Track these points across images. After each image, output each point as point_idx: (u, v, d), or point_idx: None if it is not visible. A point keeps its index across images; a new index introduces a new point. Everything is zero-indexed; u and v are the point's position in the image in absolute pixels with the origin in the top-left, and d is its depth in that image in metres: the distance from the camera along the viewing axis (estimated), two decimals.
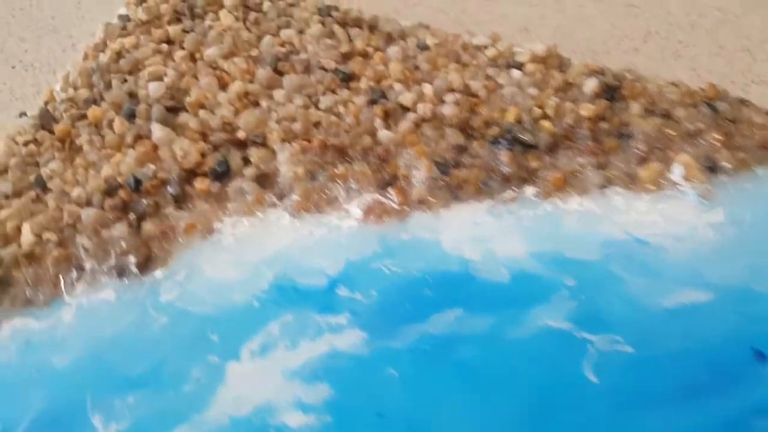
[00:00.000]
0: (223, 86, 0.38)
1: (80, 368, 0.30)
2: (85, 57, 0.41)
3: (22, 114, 0.39)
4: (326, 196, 0.34)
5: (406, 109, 0.37)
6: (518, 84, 0.36)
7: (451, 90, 0.37)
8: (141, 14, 0.42)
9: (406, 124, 0.35)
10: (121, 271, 0.33)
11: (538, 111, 0.35)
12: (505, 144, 0.34)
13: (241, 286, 0.32)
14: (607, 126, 0.35)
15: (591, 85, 0.36)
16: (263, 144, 0.36)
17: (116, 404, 0.29)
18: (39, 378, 0.30)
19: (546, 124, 0.35)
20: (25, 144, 0.37)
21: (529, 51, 0.37)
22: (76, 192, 0.35)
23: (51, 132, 0.38)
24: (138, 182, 0.35)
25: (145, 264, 0.32)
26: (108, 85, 0.39)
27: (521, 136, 0.34)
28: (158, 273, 0.32)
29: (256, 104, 0.38)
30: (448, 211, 0.33)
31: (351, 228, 0.33)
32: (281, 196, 0.34)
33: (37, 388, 0.30)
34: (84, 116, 0.38)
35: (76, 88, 0.39)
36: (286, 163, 0.35)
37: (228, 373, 0.29)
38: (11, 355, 0.31)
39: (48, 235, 0.33)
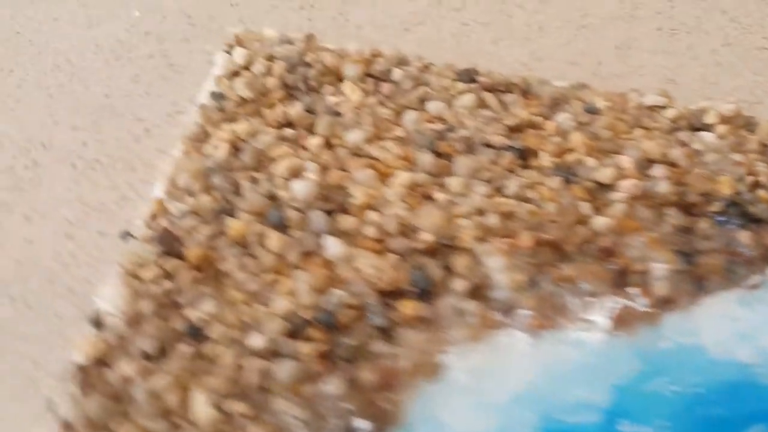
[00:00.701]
0: (383, 179, 0.33)
1: None
2: (187, 152, 0.34)
3: (126, 235, 0.31)
4: (556, 305, 0.30)
5: (604, 187, 0.33)
6: (716, 149, 0.34)
7: (649, 161, 0.33)
8: (242, 90, 0.35)
9: (619, 207, 0.32)
10: None
11: (750, 179, 0.33)
12: (734, 220, 0.31)
13: None
14: None
15: None
16: (456, 247, 0.31)
17: None
18: None
19: (764, 193, 0.32)
20: (155, 281, 0.29)
21: (715, 111, 0.35)
22: (252, 339, 0.28)
23: (180, 258, 0.30)
24: (330, 315, 0.29)
25: (380, 426, 0.26)
26: (236, 188, 0.32)
27: (749, 210, 0.31)
28: None
29: (428, 197, 0.33)
30: (698, 307, 0.30)
31: (599, 343, 0.29)
32: (507, 312, 0.29)
33: None
34: (221, 233, 0.31)
35: (192, 195, 0.32)
36: (500, 270, 0.30)
37: None
38: None
39: (234, 406, 0.26)
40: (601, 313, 0.30)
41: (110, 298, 0.29)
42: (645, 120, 0.35)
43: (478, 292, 0.30)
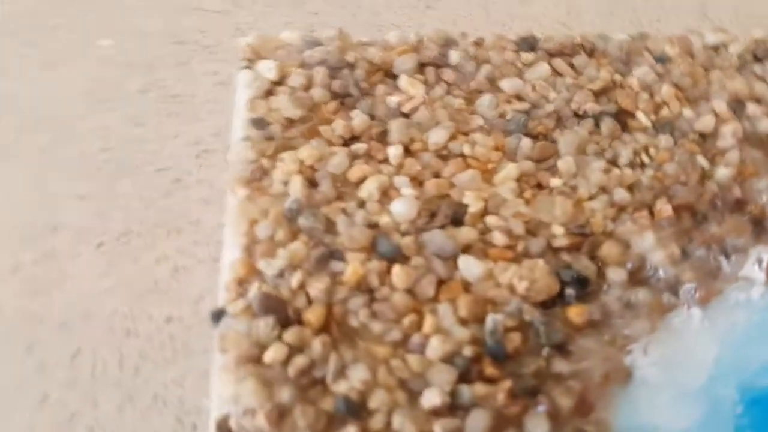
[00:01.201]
0: (487, 177, 0.29)
1: None
2: (251, 196, 0.28)
3: (219, 316, 0.26)
4: (713, 270, 0.28)
5: (709, 137, 0.31)
6: None
7: (739, 101, 0.32)
8: (288, 110, 0.30)
9: (732, 154, 0.30)
10: None
11: None
12: None
13: None
14: None
15: None
16: (595, 234, 0.28)
17: None
18: None
19: None
20: (283, 360, 0.24)
21: None
22: (425, 399, 0.24)
23: (299, 323, 0.25)
24: (497, 345, 0.25)
25: None
26: (328, 226, 0.27)
27: None
28: None
29: (542, 186, 0.29)
30: None
31: (764, 298, 0.27)
32: (672, 291, 0.27)
33: None
34: (334, 281, 0.26)
35: (281, 244, 0.27)
36: (651, 247, 0.27)
37: None
38: None
39: None
40: (754, 267, 0.28)
41: (231, 397, 0.24)
42: (716, 60, 0.34)
43: (638, 276, 0.27)
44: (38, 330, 0.26)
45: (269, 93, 0.31)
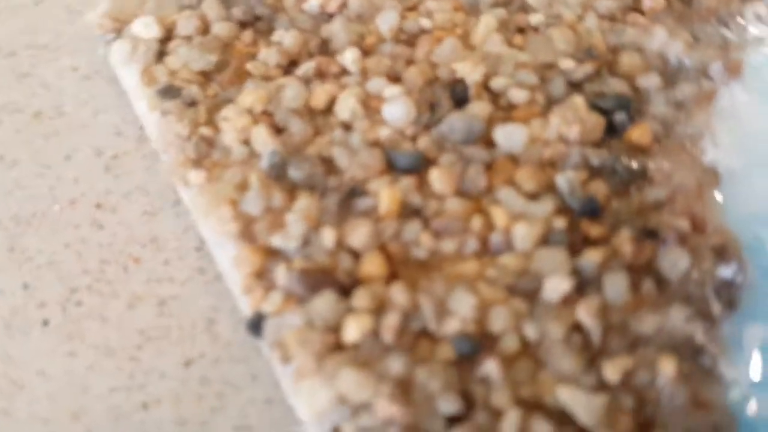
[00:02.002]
0: (465, 41, 0.24)
1: None
2: (210, 175, 0.21)
3: (257, 325, 0.19)
4: (720, 44, 0.26)
5: None
6: None
7: None
8: (197, 61, 0.23)
9: None
10: None
11: None
12: None
13: None
14: None
15: None
16: (600, 54, 0.24)
17: None
18: None
19: None
20: (372, 333, 0.18)
21: None
22: (553, 288, 0.19)
23: (361, 282, 0.20)
24: (590, 201, 0.21)
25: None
26: (327, 165, 0.21)
27: None
28: None
29: (522, 30, 0.25)
30: None
31: None
32: (706, 75, 0.24)
33: None
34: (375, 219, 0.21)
35: (286, 209, 0.21)
36: (665, 43, 0.25)
37: None
38: None
39: None
40: (757, 24, 0.27)
41: (330, 404, 0.18)
42: None
43: (669, 75, 0.24)
44: None
45: (161, 54, 0.25)
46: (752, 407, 0.19)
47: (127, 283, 0.22)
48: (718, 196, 0.23)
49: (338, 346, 0.19)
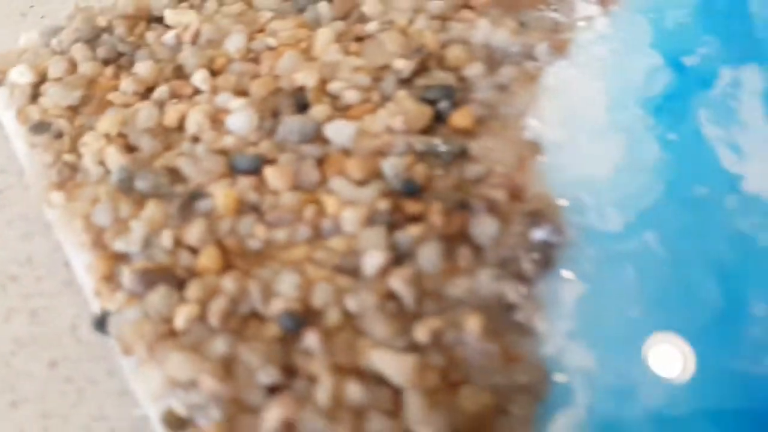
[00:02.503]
0: (306, 53, 0.27)
1: None
2: (70, 195, 0.24)
3: (102, 322, 0.21)
4: (548, 26, 0.28)
5: None
6: None
7: None
8: (63, 98, 0.26)
9: None
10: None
11: None
12: None
13: None
14: None
15: None
16: (430, 52, 0.27)
17: None
18: None
19: None
20: (201, 318, 0.20)
21: None
22: (370, 262, 0.21)
23: (197, 275, 0.22)
24: (407, 182, 0.23)
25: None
26: (173, 174, 0.24)
27: None
28: None
29: (360, 39, 0.27)
30: None
31: None
32: (532, 57, 0.26)
33: None
34: (213, 218, 0.23)
35: (132, 217, 0.23)
36: (489, 33, 0.27)
37: None
38: None
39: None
40: (584, 4, 0.29)
41: (163, 387, 0.20)
42: None
43: (492, 62, 0.26)
44: None
45: (35, 96, 0.27)
46: (565, 361, 0.21)
47: (4, 299, 0.24)
48: (541, 166, 0.25)
49: (170, 334, 0.21)
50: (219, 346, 0.20)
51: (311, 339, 0.20)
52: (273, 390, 0.20)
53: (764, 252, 0.23)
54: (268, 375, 0.20)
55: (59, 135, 0.26)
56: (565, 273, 0.22)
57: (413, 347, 0.20)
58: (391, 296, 0.21)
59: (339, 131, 0.24)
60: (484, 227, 0.22)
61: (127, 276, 0.22)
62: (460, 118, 0.25)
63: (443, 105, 0.25)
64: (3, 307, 0.24)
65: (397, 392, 0.20)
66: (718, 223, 0.23)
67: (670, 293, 0.22)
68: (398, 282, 0.21)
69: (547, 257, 0.22)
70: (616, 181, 0.24)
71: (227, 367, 0.20)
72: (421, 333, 0.20)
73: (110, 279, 0.22)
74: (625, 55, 0.27)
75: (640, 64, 0.27)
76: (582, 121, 0.26)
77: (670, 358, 0.21)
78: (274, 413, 0.19)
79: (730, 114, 0.26)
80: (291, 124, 0.25)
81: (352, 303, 0.21)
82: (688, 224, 0.23)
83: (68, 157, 0.25)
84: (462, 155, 0.24)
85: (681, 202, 0.24)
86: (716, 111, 0.26)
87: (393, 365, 0.20)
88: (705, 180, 0.24)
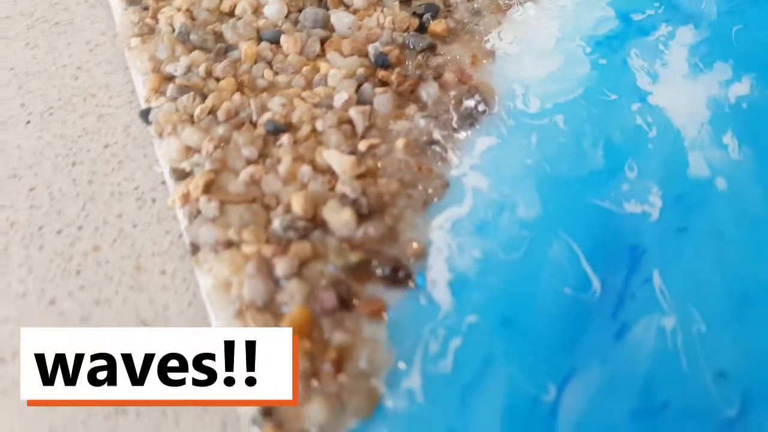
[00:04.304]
0: None
1: None
2: (144, 40, 0.34)
3: (146, 113, 0.31)
4: None
5: None
6: None
7: None
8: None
9: None
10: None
11: None
12: None
13: None
14: None
15: None
16: None
17: None
18: None
19: None
20: (212, 112, 0.30)
21: None
22: (340, 98, 0.30)
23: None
24: (382, 56, 0.32)
25: (486, 100, 0.30)
26: (217, 36, 0.34)
27: None
28: None
29: None
30: None
31: None
32: None
33: None
34: (237, 63, 0.32)
35: (183, 54, 0.33)
36: None
37: None
38: None
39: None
40: None
41: (176, 153, 0.29)
42: None
43: None
44: None
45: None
46: (464, 181, 0.29)
47: (84, 106, 0.34)
48: (491, 67, 0.33)
49: (189, 120, 0.30)
50: (220, 130, 0.30)
51: (284, 139, 0.29)
52: (249, 162, 0.29)
53: (647, 138, 0.30)
54: (249, 151, 0.29)
55: (146, 8, 0.37)
56: (484, 131, 0.30)
57: (354, 152, 0.29)
58: (348, 122, 0.30)
59: (341, 20, 0.34)
60: (430, 90, 0.31)
61: (169, 88, 0.32)
62: (437, 26, 0.34)
63: (426, 17, 0.34)
64: (81, 111, 0.34)
65: (334, 176, 0.28)
66: (618, 118, 0.31)
67: (561, 154, 0.29)
68: (355, 112, 0.30)
69: (473, 118, 0.30)
70: (545, 82, 0.32)
71: (223, 142, 0.29)
72: (362, 145, 0.29)
73: (157, 90, 0.32)
74: (584, 7, 0.36)
75: (594, 15, 0.35)
76: (533, 44, 0.34)
77: (549, 190, 0.28)
78: (246, 171, 0.28)
79: (657, 54, 0.34)
80: (309, 12, 0.34)
81: (319, 123, 0.30)
82: (593, 115, 0.31)
83: (148, 20, 0.36)
84: (430, 49, 0.33)
85: (594, 102, 0.32)
86: (646, 51, 0.34)
87: (337, 160, 0.28)
88: (618, 91, 0.32)
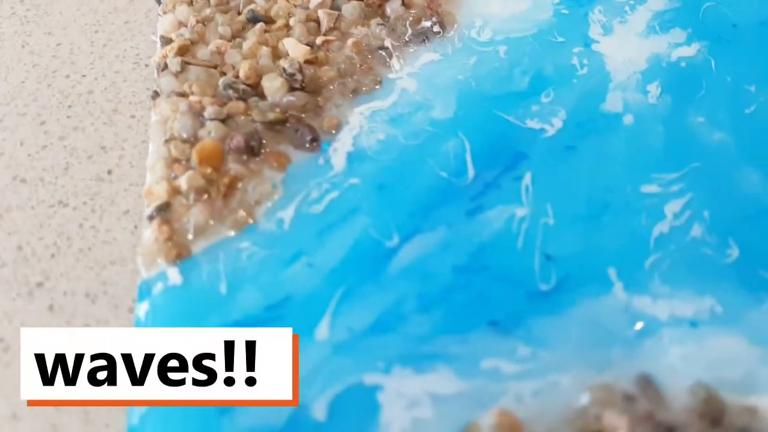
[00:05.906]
0: None
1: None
2: None
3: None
4: None
5: None
6: None
7: None
8: None
9: None
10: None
11: None
12: None
13: None
14: None
15: None
16: None
17: None
18: None
19: None
20: None
21: None
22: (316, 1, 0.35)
23: None
24: None
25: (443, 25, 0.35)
26: None
27: None
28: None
29: None
30: None
31: None
32: None
33: None
34: None
35: None
36: None
37: None
38: None
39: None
40: None
41: (170, 28, 0.36)
42: None
43: None
44: None
45: None
46: (397, 85, 0.33)
47: (109, 37, 0.41)
48: (462, 1, 0.37)
49: (189, 2, 0.36)
50: (208, 11, 0.36)
51: (258, 26, 0.35)
52: (222, 38, 0.34)
53: (576, 74, 0.33)
54: (224, 30, 0.35)
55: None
56: (432, 48, 0.34)
57: (311, 45, 0.34)
58: (315, 20, 0.35)
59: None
60: (394, 6, 0.35)
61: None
62: None
63: None
64: (103, 39, 0.41)
65: (301, 69, 0.33)
66: (556, 56, 0.34)
67: (491, 75, 0.33)
68: (323, 13, 0.35)
69: (425, 36, 0.35)
70: (506, 21, 0.36)
71: (207, 20, 0.35)
72: (319, 40, 0.34)
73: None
74: None
75: None
76: None
77: (465, 101, 0.32)
78: (215, 43, 0.34)
79: (620, 13, 0.37)
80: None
81: (292, 19, 0.35)
82: (535, 51, 0.34)
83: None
84: None
85: (541, 41, 0.35)
86: (610, 9, 0.37)
87: (293, 47, 0.34)
88: (567, 35, 0.35)
